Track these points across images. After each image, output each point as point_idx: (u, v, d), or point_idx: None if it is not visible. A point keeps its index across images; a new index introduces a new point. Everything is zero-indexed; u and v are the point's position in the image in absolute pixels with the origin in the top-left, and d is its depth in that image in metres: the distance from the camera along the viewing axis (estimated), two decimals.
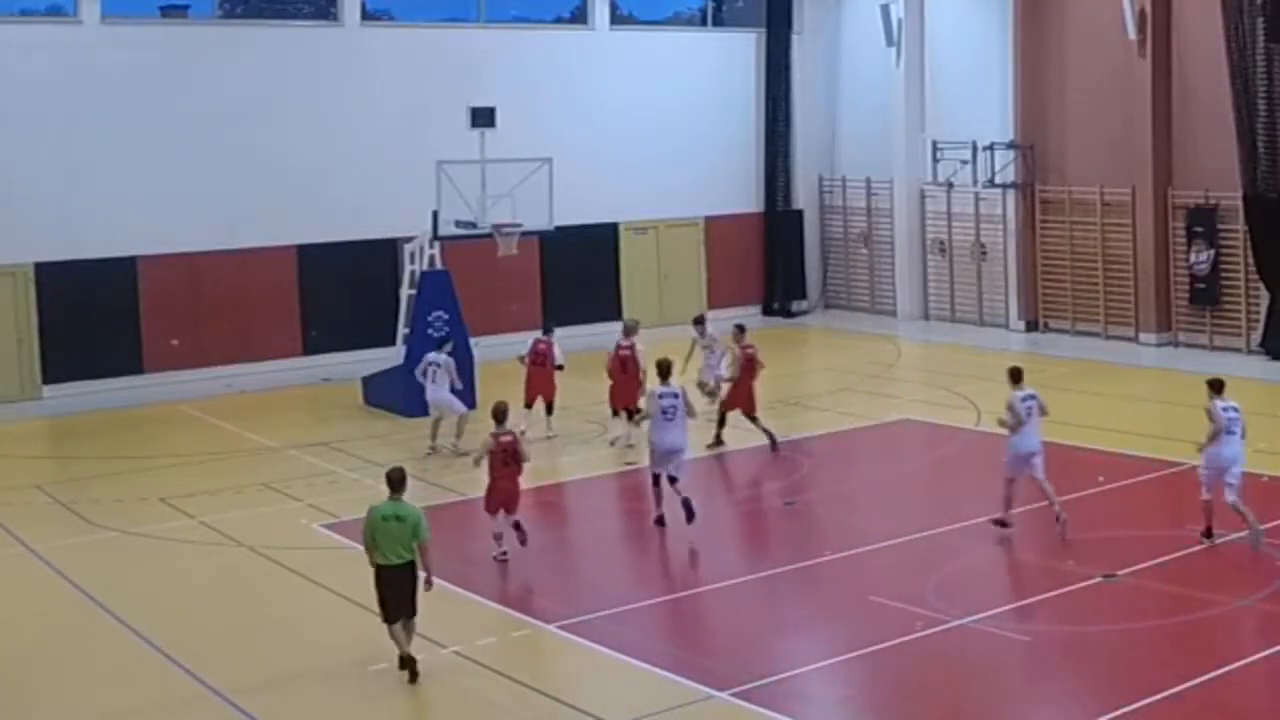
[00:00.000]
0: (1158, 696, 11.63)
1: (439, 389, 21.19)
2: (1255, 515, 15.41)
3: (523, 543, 16.00)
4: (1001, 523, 16.29)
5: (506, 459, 15.90)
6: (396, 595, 12.63)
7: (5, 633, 14.49)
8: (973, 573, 15.52)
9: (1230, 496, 15.37)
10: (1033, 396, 16.45)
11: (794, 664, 12.92)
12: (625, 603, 14.56)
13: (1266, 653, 12.38)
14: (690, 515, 16.37)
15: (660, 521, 16.90)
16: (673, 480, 16.72)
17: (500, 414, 16.07)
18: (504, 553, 15.99)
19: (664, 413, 16.78)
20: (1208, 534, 15.65)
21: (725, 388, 21.01)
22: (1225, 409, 15.70)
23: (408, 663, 12.63)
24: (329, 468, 20.53)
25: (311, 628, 14.17)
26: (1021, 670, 12.78)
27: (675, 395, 16.86)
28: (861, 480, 19.99)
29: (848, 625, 13.94)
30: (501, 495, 15.99)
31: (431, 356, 21.45)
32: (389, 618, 12.66)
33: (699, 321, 23.38)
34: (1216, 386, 15.94)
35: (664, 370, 17.20)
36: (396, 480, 12.91)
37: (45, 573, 16.24)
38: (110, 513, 18.53)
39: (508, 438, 15.99)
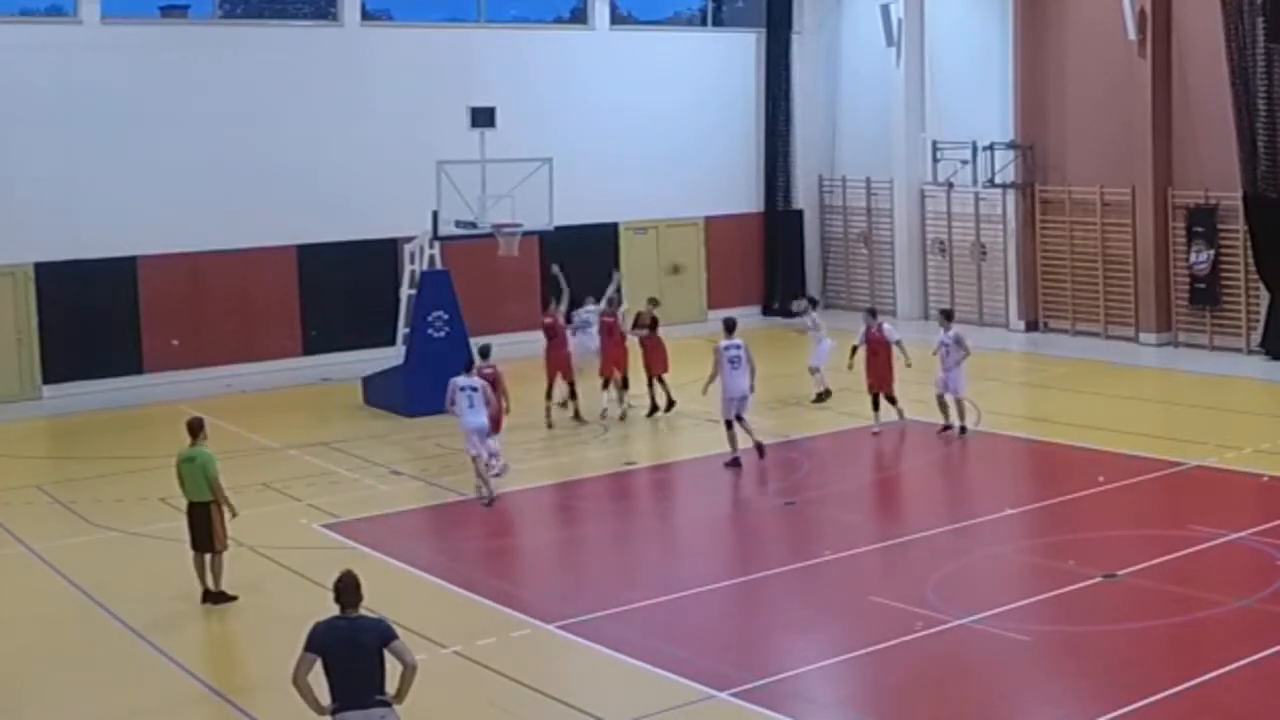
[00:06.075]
0: (1158, 696, 11.62)
1: (478, 415, 18.46)
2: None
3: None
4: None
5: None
6: (194, 529, 14.84)
7: (5, 633, 14.48)
8: (973, 573, 15.50)
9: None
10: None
11: (794, 664, 12.91)
12: (625, 603, 14.54)
13: (1266, 653, 12.36)
14: (761, 452, 19.65)
15: (735, 463, 19.54)
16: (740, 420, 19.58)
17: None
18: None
19: (730, 362, 19.52)
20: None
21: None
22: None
23: (208, 595, 14.80)
24: (329, 468, 20.52)
25: None
26: (1021, 670, 12.76)
27: (739, 346, 19.68)
28: (861, 480, 19.99)
29: (848, 625, 13.93)
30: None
31: (463, 381, 18.59)
32: (193, 547, 14.87)
33: (814, 303, 25.10)
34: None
35: (729, 326, 20.12)
36: (195, 427, 14.97)
37: (45, 573, 16.24)
38: (110, 513, 18.54)
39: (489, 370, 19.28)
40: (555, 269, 24.03)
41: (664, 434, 22.22)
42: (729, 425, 19.62)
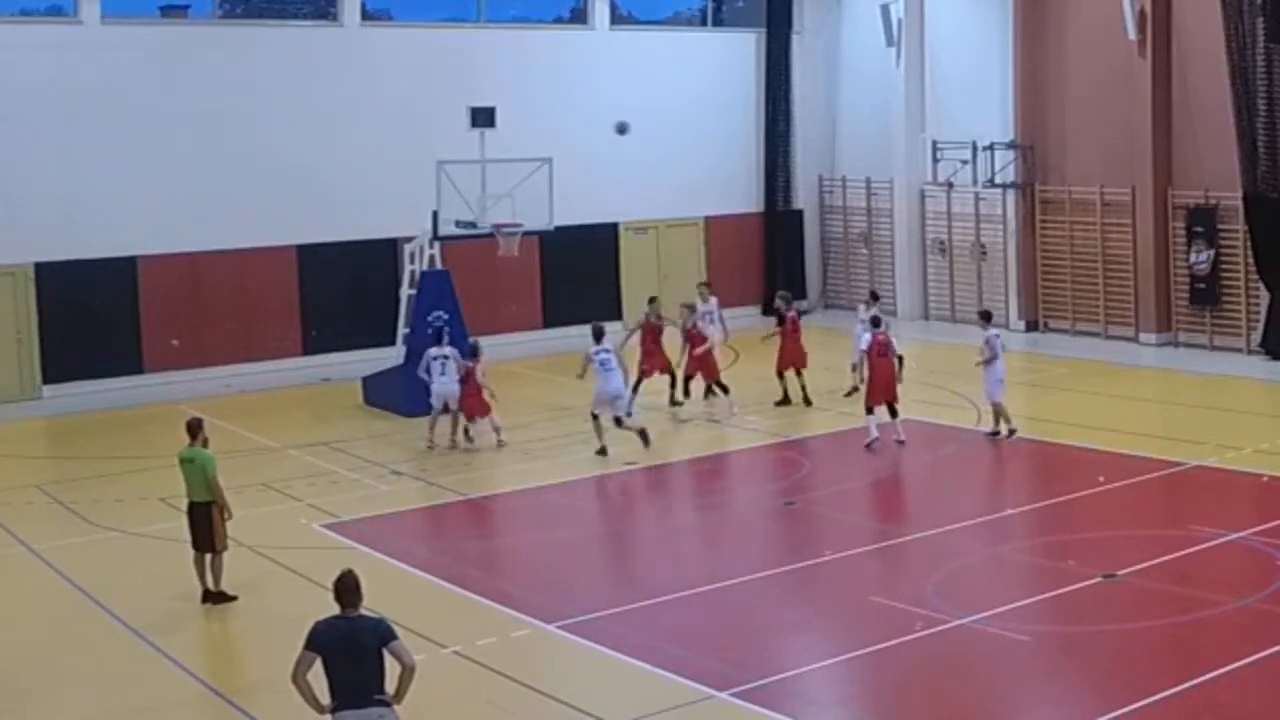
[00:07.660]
0: (1158, 696, 11.62)
1: (449, 381, 21.24)
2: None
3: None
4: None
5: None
6: (194, 529, 14.90)
7: (5, 633, 14.48)
8: (973, 573, 15.51)
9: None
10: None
11: (794, 664, 12.92)
12: (625, 603, 14.55)
13: (1266, 653, 12.36)
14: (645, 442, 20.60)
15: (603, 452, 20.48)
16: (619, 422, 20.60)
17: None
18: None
19: (601, 365, 20.60)
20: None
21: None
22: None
23: (208, 595, 14.84)
24: (329, 468, 20.53)
25: None
26: (1021, 670, 12.77)
27: (608, 350, 20.82)
28: (861, 480, 19.98)
29: (848, 625, 13.93)
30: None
31: (435, 351, 21.52)
32: (193, 547, 14.92)
33: (875, 298, 25.40)
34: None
35: (598, 334, 21.07)
36: (195, 427, 15.13)
37: (45, 573, 16.25)
38: (110, 513, 18.53)
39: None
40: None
41: (664, 435, 22.18)
42: (594, 418, 20.68)
